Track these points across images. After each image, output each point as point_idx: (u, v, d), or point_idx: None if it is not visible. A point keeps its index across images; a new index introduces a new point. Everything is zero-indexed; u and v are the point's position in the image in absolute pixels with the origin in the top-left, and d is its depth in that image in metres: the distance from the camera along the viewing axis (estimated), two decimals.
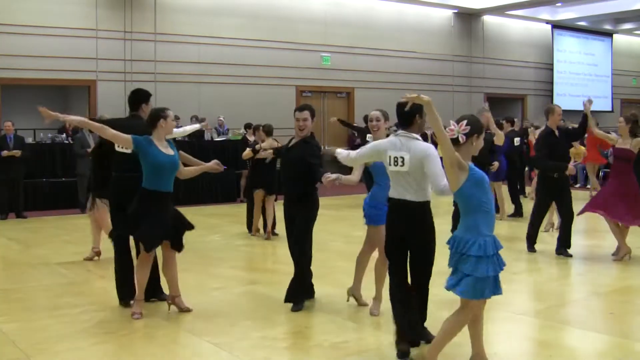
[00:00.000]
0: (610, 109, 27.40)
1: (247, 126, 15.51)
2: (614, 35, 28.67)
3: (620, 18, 26.34)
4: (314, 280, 6.38)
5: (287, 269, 6.48)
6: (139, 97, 6.46)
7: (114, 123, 6.11)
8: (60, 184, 13.74)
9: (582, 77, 27.30)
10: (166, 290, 6.16)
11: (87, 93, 16.79)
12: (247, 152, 10.02)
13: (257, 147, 9.89)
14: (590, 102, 8.32)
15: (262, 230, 10.46)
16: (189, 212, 12.70)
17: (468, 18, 23.56)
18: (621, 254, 8.16)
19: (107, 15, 16.78)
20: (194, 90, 17.78)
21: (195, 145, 16.15)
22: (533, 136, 13.75)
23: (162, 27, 17.48)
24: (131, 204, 5.79)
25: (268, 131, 10.20)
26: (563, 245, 8.38)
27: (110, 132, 5.71)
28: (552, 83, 26.13)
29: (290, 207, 6.16)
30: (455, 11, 23.04)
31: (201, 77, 17.95)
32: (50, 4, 16.09)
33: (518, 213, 12.07)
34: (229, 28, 18.40)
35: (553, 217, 10.29)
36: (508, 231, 10.61)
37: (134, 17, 17.14)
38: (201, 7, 18.08)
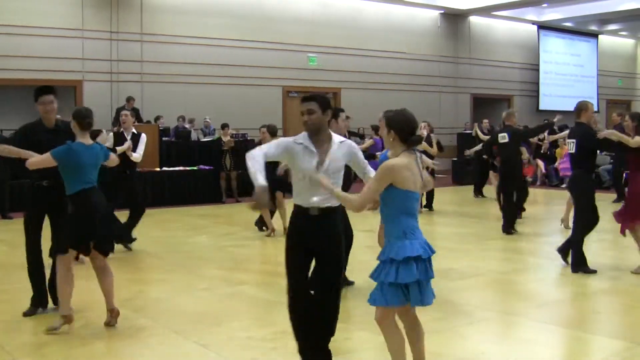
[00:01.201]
0: (595, 110, 27.58)
1: (223, 126, 15.48)
2: (600, 36, 28.89)
3: (605, 19, 26.55)
4: None
5: (274, 270, 6.47)
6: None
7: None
8: None
9: (568, 78, 27.49)
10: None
11: (73, 93, 16.69)
12: None
13: None
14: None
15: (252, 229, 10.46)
16: (174, 213, 12.82)
17: (454, 19, 23.65)
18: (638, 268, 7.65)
19: (93, 15, 16.71)
20: (181, 90, 17.74)
21: (182, 145, 16.12)
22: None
23: (148, 27, 17.43)
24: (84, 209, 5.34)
25: (272, 132, 10.04)
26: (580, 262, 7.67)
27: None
28: (538, 84, 26.30)
29: None
30: (442, 12, 23.12)
31: (188, 77, 17.90)
32: (36, 4, 15.99)
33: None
34: (216, 28, 18.37)
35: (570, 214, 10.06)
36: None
37: (120, 17, 17.07)
38: (187, 8, 18.04)
